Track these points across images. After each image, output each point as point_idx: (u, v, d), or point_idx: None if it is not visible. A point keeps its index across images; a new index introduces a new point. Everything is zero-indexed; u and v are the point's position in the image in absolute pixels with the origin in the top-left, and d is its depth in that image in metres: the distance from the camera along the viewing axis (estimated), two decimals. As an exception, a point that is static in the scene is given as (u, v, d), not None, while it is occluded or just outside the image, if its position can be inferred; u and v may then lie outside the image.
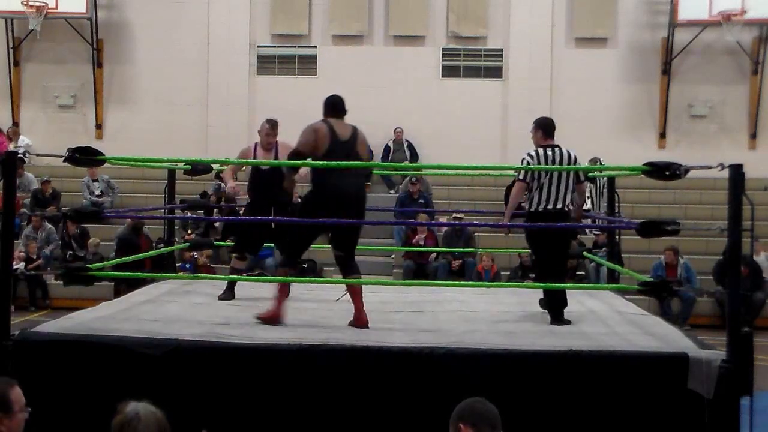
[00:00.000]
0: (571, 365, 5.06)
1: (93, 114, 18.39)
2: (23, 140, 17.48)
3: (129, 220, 13.76)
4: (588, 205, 11.75)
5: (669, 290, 5.76)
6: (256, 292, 7.55)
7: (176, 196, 8.87)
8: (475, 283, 12.25)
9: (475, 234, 14.55)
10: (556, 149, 6.63)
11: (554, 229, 6.47)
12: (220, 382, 5.12)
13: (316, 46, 18.23)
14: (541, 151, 6.60)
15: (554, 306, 6.47)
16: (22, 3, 17.03)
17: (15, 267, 11.33)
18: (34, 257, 14.07)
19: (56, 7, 17.25)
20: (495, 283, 11.98)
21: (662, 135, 17.87)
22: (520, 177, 6.61)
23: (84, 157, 5.88)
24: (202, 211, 13.24)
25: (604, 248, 11.61)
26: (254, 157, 7.47)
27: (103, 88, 18.36)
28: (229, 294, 7.22)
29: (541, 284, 7.06)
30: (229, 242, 13.19)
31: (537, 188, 6.50)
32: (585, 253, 10.53)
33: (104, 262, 9.30)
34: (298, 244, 6.33)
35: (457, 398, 3.38)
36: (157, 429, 2.94)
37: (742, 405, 4.94)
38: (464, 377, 4.94)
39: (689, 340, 5.60)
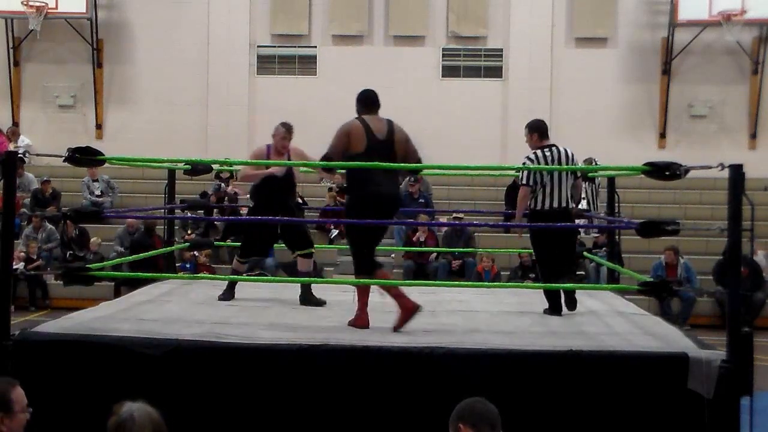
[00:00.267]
0: (571, 365, 5.06)
1: (93, 114, 18.40)
2: (23, 140, 17.48)
3: (142, 221, 13.77)
4: (584, 205, 11.76)
5: (669, 290, 5.76)
6: (256, 292, 7.56)
7: (176, 196, 8.87)
8: (475, 283, 12.25)
9: (475, 234, 14.55)
10: (554, 149, 6.75)
11: (559, 227, 6.58)
12: (220, 382, 5.12)
13: (316, 46, 18.23)
14: (539, 153, 6.71)
15: (552, 296, 6.68)
16: (22, 3, 17.04)
17: (15, 267, 11.34)
18: (34, 257, 14.07)
19: (56, 7, 17.25)
20: (495, 283, 11.98)
21: (662, 135, 17.88)
22: (524, 182, 6.70)
23: (84, 157, 5.88)
24: (202, 211, 13.24)
25: (604, 248, 11.60)
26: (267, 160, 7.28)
27: (103, 88, 18.37)
28: (229, 294, 7.17)
29: (541, 284, 7.11)
30: (229, 242, 13.26)
31: (540, 188, 6.63)
32: (585, 253, 10.52)
33: (104, 262, 9.30)
34: (366, 250, 6.09)
35: (457, 398, 3.38)
36: (152, 430, 2.94)
37: (742, 405, 4.94)
38: (464, 377, 4.94)
39: (689, 340, 5.60)
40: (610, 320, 6.53)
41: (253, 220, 7.35)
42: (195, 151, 16.81)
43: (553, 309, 6.73)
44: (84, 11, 17.52)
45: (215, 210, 14.31)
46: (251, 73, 18.25)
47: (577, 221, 8.70)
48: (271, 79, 18.24)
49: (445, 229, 14.35)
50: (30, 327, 5.77)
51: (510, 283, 11.55)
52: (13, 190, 5.49)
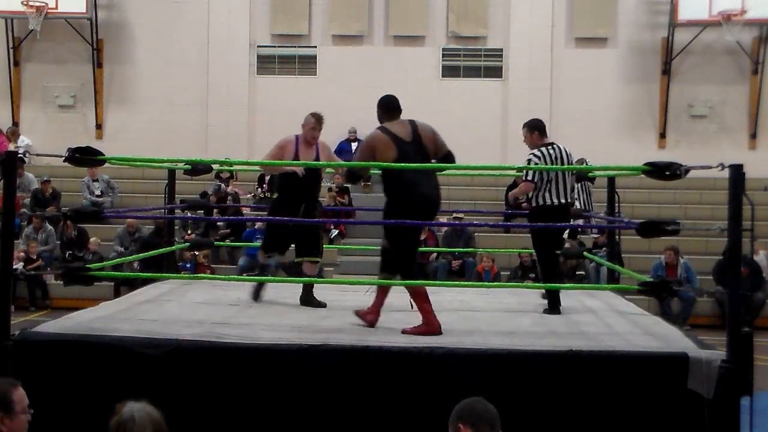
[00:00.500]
0: (571, 365, 5.06)
1: (93, 114, 18.40)
2: (23, 140, 17.49)
3: (153, 221, 13.78)
4: (578, 205, 11.78)
5: (669, 290, 5.76)
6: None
7: (176, 196, 8.86)
8: (475, 283, 12.25)
9: (475, 234, 14.55)
10: (555, 146, 6.94)
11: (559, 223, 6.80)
12: (220, 383, 5.12)
13: (316, 46, 18.24)
14: (544, 150, 6.89)
15: (553, 294, 6.78)
16: (22, 3, 17.05)
17: (15, 267, 11.34)
18: (34, 257, 14.07)
19: (56, 7, 17.26)
20: (495, 283, 11.98)
21: (662, 135, 17.88)
22: (529, 177, 6.84)
23: (84, 157, 5.88)
24: (202, 211, 13.24)
25: (604, 248, 11.61)
26: (296, 151, 7.01)
27: (103, 88, 18.38)
28: (257, 294, 7.06)
29: (541, 284, 7.13)
30: (228, 242, 13.28)
31: (546, 185, 6.81)
32: (585, 253, 10.52)
33: (104, 263, 9.30)
34: (409, 254, 6.04)
35: (456, 398, 3.38)
36: (152, 431, 2.94)
37: (742, 405, 4.94)
38: (464, 377, 4.93)
39: (689, 340, 5.60)
40: (610, 320, 6.53)
41: (272, 220, 7.12)
42: (195, 151, 16.82)
43: (553, 307, 6.77)
44: (84, 11, 17.53)
45: (215, 210, 14.31)
46: (251, 73, 18.26)
47: (575, 221, 8.78)
48: (271, 79, 18.25)
49: (445, 229, 14.35)
50: (30, 327, 5.77)
51: (510, 283, 11.55)
52: (13, 190, 5.49)
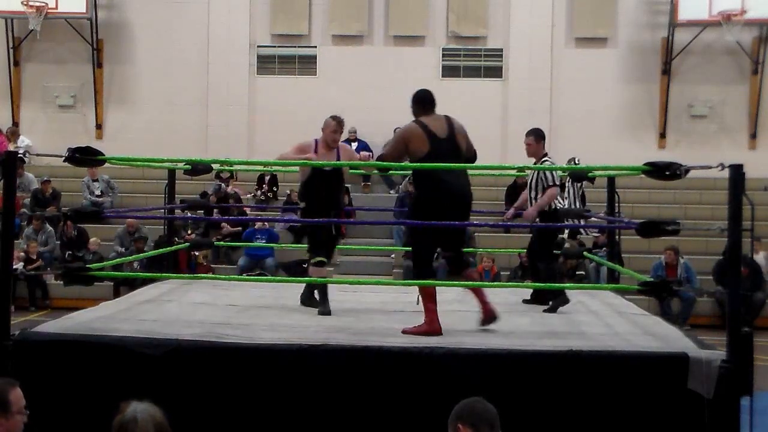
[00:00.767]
0: (571, 365, 5.05)
1: (93, 114, 18.40)
2: (23, 141, 17.49)
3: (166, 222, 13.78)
4: (564, 205, 11.90)
5: (669, 290, 5.76)
6: (256, 292, 7.56)
7: (176, 196, 8.86)
8: (475, 283, 12.22)
9: (475, 234, 14.54)
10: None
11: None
12: (220, 382, 5.12)
13: (316, 46, 18.23)
14: (552, 160, 7.39)
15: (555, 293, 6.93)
16: (22, 3, 17.05)
17: (15, 267, 11.33)
18: (34, 257, 14.07)
19: (56, 7, 17.26)
20: (495, 283, 11.97)
21: (662, 135, 17.88)
22: (556, 182, 7.21)
23: (84, 157, 5.88)
24: (202, 211, 13.25)
25: (604, 248, 11.61)
26: (316, 154, 6.81)
27: (103, 88, 18.37)
28: (325, 307, 6.59)
29: (541, 284, 7.14)
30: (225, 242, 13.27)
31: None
32: (585, 253, 10.53)
33: (104, 263, 9.30)
34: (427, 252, 6.09)
35: (457, 398, 3.38)
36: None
37: (742, 405, 4.94)
38: (464, 377, 4.93)
39: (689, 340, 5.60)
40: (610, 320, 6.53)
41: (309, 222, 6.92)
42: (195, 151, 16.81)
43: (555, 307, 6.85)
44: (84, 11, 17.53)
45: (215, 210, 14.32)
46: (251, 73, 18.25)
47: (575, 221, 8.92)
48: (271, 79, 18.25)
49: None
50: (30, 327, 5.77)
51: (510, 283, 11.55)
52: (13, 190, 5.49)
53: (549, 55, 17.87)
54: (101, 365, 5.15)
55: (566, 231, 12.73)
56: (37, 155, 12.58)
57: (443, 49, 18.08)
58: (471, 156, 6.11)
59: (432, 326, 5.67)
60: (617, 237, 8.83)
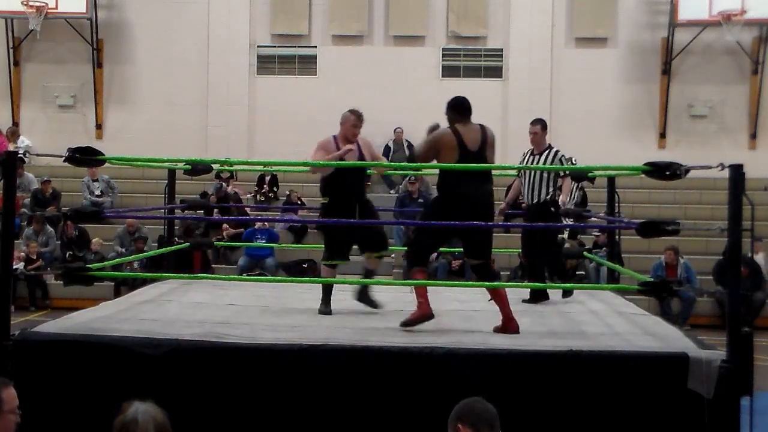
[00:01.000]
0: (571, 365, 5.05)
1: (93, 114, 18.40)
2: (23, 141, 17.47)
3: (182, 223, 13.87)
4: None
5: (669, 290, 5.76)
6: (256, 292, 7.56)
7: (176, 196, 8.86)
8: (475, 283, 12.22)
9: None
10: None
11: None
12: (220, 382, 5.12)
13: (316, 46, 18.23)
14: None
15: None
16: (22, 3, 17.04)
17: (15, 267, 11.33)
18: (35, 257, 14.07)
19: (56, 7, 17.26)
20: (495, 283, 11.95)
21: (662, 135, 17.88)
22: (568, 173, 7.84)
23: (84, 157, 5.88)
24: (202, 211, 13.24)
25: (604, 248, 11.61)
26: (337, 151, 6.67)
27: (103, 88, 18.37)
28: (326, 307, 6.60)
29: (541, 284, 7.15)
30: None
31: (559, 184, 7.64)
32: (585, 253, 10.53)
33: (105, 263, 9.30)
34: (426, 246, 6.19)
35: (457, 398, 3.38)
36: None
37: (742, 405, 4.94)
38: (464, 377, 4.93)
39: (689, 340, 5.60)
40: (610, 320, 6.53)
41: (330, 222, 6.76)
42: (195, 151, 16.81)
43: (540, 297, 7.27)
44: (84, 11, 17.52)
45: (215, 210, 14.32)
46: (251, 73, 18.25)
47: (565, 220, 9.05)
48: (271, 79, 18.25)
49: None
50: (30, 327, 5.77)
51: (510, 283, 11.53)
52: (13, 190, 5.49)
53: (549, 55, 17.87)
54: (101, 365, 5.15)
55: (566, 231, 12.73)
56: (37, 155, 12.59)
57: (443, 49, 18.08)
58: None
59: (423, 310, 5.79)
60: (617, 237, 8.83)
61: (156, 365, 5.09)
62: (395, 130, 17.34)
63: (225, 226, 14.53)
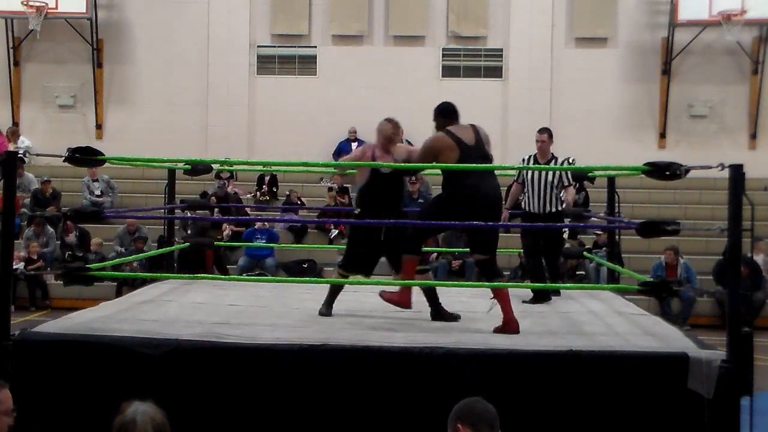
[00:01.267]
0: (571, 365, 5.05)
1: (93, 114, 18.40)
2: (23, 141, 17.46)
3: (195, 223, 13.93)
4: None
5: (669, 290, 5.76)
6: (256, 292, 7.56)
7: (176, 196, 8.86)
8: (475, 283, 12.22)
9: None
10: None
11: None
12: (220, 382, 5.12)
13: (316, 46, 18.23)
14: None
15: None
16: (22, 3, 17.04)
17: (15, 267, 11.33)
18: (35, 257, 14.06)
19: (56, 7, 17.26)
20: (495, 283, 11.95)
21: (662, 135, 17.88)
22: (572, 182, 7.99)
23: (84, 157, 5.88)
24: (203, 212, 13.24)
25: (604, 248, 11.61)
26: (373, 159, 6.46)
27: (103, 88, 18.37)
28: (328, 309, 6.48)
29: (541, 284, 7.15)
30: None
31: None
32: (585, 253, 10.53)
33: (105, 262, 9.30)
34: (421, 235, 6.23)
35: (457, 398, 3.38)
36: None
37: (742, 405, 4.94)
38: (464, 377, 4.93)
39: (689, 340, 5.60)
40: (610, 320, 6.53)
41: (354, 222, 6.61)
42: (195, 151, 16.82)
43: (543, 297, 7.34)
44: (84, 11, 17.52)
45: (216, 210, 14.32)
46: (251, 73, 18.25)
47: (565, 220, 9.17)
48: (271, 79, 18.25)
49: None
50: (30, 327, 5.77)
51: (510, 283, 11.53)
52: (13, 190, 5.49)
53: (549, 55, 17.87)
54: (101, 365, 5.15)
55: (566, 231, 12.73)
56: (37, 155, 12.58)
57: (443, 49, 18.08)
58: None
59: (402, 298, 6.09)
60: (617, 237, 8.83)
61: (156, 365, 5.09)
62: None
63: (224, 226, 14.53)
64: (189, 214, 12.02)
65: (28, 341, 5.32)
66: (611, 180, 8.59)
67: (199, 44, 18.11)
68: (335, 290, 6.55)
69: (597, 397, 5.03)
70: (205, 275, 11.32)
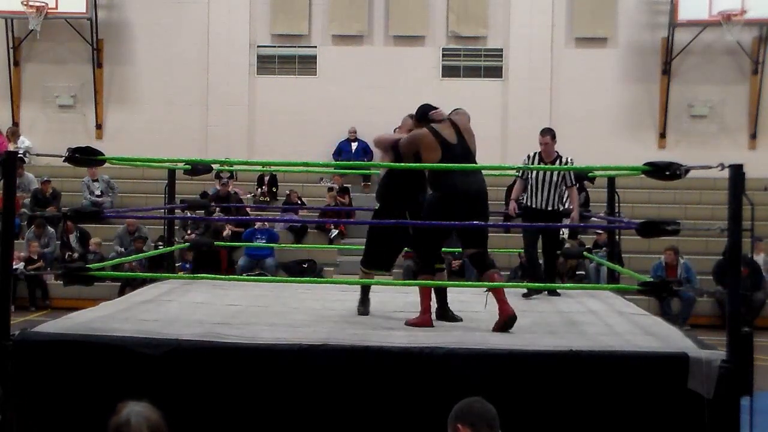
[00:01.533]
0: (571, 365, 5.05)
1: (93, 114, 18.40)
2: (23, 141, 17.47)
3: (210, 224, 13.96)
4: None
5: (669, 290, 5.76)
6: (256, 292, 7.56)
7: (176, 196, 8.86)
8: (475, 283, 12.22)
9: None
10: None
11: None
12: (220, 382, 5.12)
13: (316, 46, 18.23)
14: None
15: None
16: (22, 3, 17.04)
17: (15, 267, 11.33)
18: (35, 257, 14.06)
19: (56, 7, 17.26)
20: (495, 283, 11.95)
21: (662, 135, 17.88)
22: (575, 182, 8.21)
23: (84, 157, 5.88)
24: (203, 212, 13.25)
25: (604, 248, 11.61)
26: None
27: (103, 88, 18.37)
28: (365, 307, 6.51)
29: (541, 284, 7.15)
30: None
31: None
32: (585, 253, 10.53)
33: (105, 262, 9.30)
34: (433, 248, 6.23)
35: (457, 398, 3.38)
36: None
37: (742, 405, 4.94)
38: (464, 377, 4.93)
39: (689, 340, 5.59)
40: (610, 320, 6.53)
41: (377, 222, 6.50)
42: (195, 151, 16.84)
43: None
44: (84, 11, 17.52)
45: (217, 210, 14.32)
46: (251, 73, 18.25)
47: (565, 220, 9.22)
48: (271, 79, 18.25)
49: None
50: (30, 327, 5.76)
51: (510, 283, 11.53)
52: (13, 190, 5.49)
53: (549, 55, 17.87)
54: (101, 365, 5.15)
55: (566, 231, 12.73)
56: (37, 155, 12.57)
57: (443, 49, 18.09)
58: (474, 154, 6.28)
59: (423, 320, 5.99)
60: (617, 237, 8.83)
61: (156, 365, 5.09)
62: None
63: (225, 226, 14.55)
64: (189, 214, 12.03)
65: (28, 341, 5.31)
66: (611, 180, 8.59)
67: (199, 44, 18.12)
68: (366, 288, 6.58)
69: (597, 397, 5.03)
70: (205, 275, 11.32)
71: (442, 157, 5.97)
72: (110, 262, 9.39)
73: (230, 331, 5.56)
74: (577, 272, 13.62)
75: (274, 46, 18.31)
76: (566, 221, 8.86)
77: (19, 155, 12.11)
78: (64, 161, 5.81)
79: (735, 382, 4.87)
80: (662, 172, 5.57)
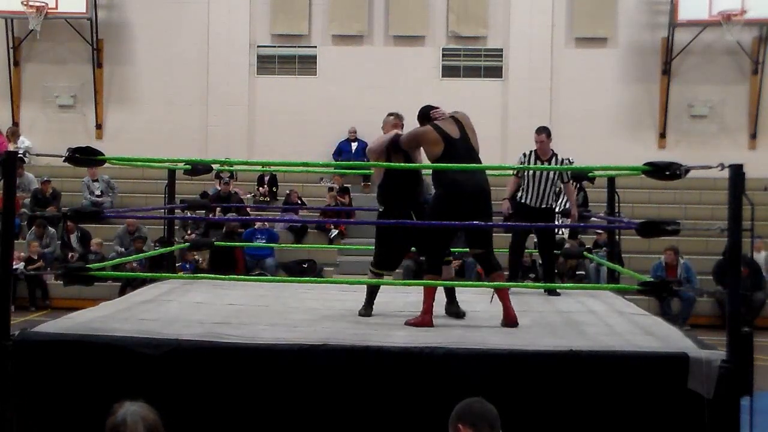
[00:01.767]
0: (571, 365, 5.05)
1: (93, 114, 18.40)
2: (23, 141, 17.46)
3: (226, 226, 13.97)
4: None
5: (669, 290, 5.76)
6: (256, 292, 7.55)
7: (176, 196, 8.86)
8: (475, 283, 12.23)
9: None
10: None
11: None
12: (220, 382, 5.12)
13: (316, 46, 18.24)
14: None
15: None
16: (22, 3, 17.05)
17: (15, 267, 11.33)
18: (35, 257, 14.06)
19: (56, 7, 17.27)
20: (495, 283, 11.95)
21: (662, 135, 17.88)
22: (570, 179, 8.26)
23: (84, 157, 5.88)
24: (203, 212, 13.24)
25: (604, 248, 11.61)
26: (387, 153, 6.46)
27: (103, 88, 18.38)
28: (368, 309, 6.49)
29: (540, 284, 7.15)
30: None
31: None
32: (585, 253, 10.52)
33: (105, 262, 9.30)
34: (439, 248, 6.25)
35: (457, 398, 3.38)
36: None
37: (742, 405, 4.94)
38: (464, 377, 4.93)
39: (689, 340, 5.59)
40: (610, 320, 6.53)
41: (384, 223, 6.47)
42: (195, 151, 16.84)
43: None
44: (84, 11, 17.53)
45: (217, 209, 14.32)
46: (251, 73, 18.25)
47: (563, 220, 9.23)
48: (271, 79, 18.25)
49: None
50: (30, 327, 5.76)
51: (510, 283, 11.52)
52: (13, 190, 5.48)
53: (549, 55, 17.88)
54: (101, 365, 5.15)
55: (566, 230, 12.74)
56: (37, 155, 12.57)
57: (443, 49, 18.09)
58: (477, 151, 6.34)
59: (423, 321, 5.96)
60: (617, 237, 8.83)
61: (156, 365, 5.09)
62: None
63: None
64: (189, 214, 12.02)
65: (28, 341, 5.31)
66: (611, 180, 8.59)
67: (199, 44, 18.12)
68: (373, 290, 6.56)
69: (597, 397, 5.02)
70: (205, 275, 11.32)
71: (444, 150, 5.99)
72: (110, 262, 9.38)
73: (230, 331, 5.56)
74: (577, 272, 13.62)
75: (274, 46, 18.31)
76: (565, 221, 8.86)
77: (19, 155, 12.11)
78: (64, 161, 5.81)
79: (735, 382, 4.87)
80: (662, 172, 5.57)
